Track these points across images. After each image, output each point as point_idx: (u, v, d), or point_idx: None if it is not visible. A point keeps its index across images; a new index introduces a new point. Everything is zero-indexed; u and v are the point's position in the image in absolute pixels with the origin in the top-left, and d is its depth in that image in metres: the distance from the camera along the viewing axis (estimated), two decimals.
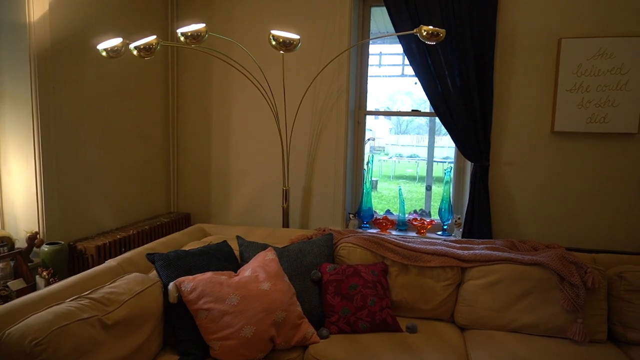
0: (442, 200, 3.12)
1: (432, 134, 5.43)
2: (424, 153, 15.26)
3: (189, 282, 1.91)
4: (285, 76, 3.02)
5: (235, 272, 2.14)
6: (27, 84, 2.18)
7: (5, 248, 2.05)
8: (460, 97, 2.78)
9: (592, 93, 2.65)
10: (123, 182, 2.90)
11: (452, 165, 3.19)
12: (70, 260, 2.39)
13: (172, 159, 3.42)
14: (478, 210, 2.86)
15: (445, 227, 3.12)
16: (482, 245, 2.50)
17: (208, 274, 1.97)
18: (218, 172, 3.41)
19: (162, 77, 3.28)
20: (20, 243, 2.24)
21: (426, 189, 5.29)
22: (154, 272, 2.06)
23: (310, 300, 2.23)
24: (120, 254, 2.49)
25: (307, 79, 3.11)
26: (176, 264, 2.03)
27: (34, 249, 2.21)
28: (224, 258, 2.24)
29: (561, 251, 2.28)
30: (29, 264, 2.16)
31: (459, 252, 2.41)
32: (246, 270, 2.07)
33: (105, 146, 2.71)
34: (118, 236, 2.59)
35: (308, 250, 2.39)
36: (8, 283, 1.97)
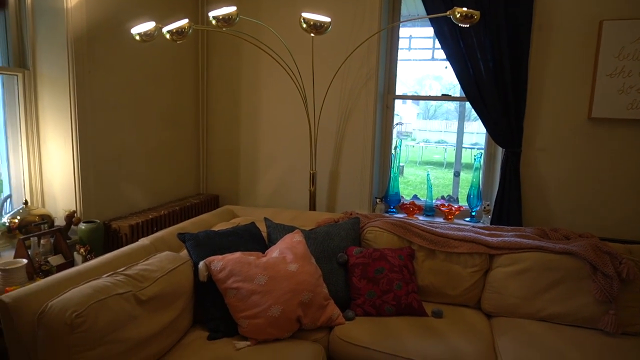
0: (471, 186, 3.07)
1: (461, 119, 5.34)
2: (452, 139, 14.98)
3: (219, 262, 1.96)
4: (314, 60, 3.00)
5: (263, 253, 2.18)
6: (65, 69, 2.25)
7: (46, 225, 2.15)
8: (493, 81, 2.71)
9: (635, 78, 2.54)
10: (155, 164, 2.97)
11: (482, 151, 3.13)
12: (105, 238, 2.48)
13: (201, 142, 3.48)
14: (508, 197, 2.80)
15: (473, 213, 3.08)
16: (511, 233, 2.46)
17: (237, 254, 2.01)
18: (246, 155, 3.45)
19: (193, 62, 3.32)
20: (59, 221, 2.33)
21: (454, 175, 5.23)
22: (185, 251, 2.12)
23: (337, 282, 2.25)
24: (152, 233, 2.56)
25: (336, 62, 3.08)
26: (206, 244, 2.08)
27: (72, 227, 2.30)
28: (252, 239, 2.28)
29: (595, 241, 2.23)
30: (67, 241, 2.25)
31: (488, 238, 2.38)
32: (274, 252, 2.11)
33: (137, 130, 2.78)
34: (150, 216, 2.67)
35: (335, 233, 2.41)
36: (49, 258, 2.07)
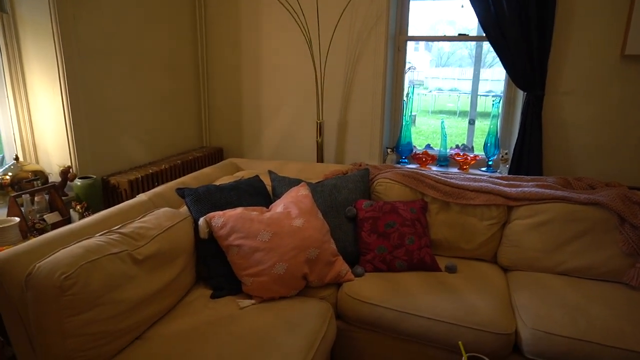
0: (488, 134, 2.88)
1: (477, 63, 5.03)
2: (465, 87, 14.50)
3: (219, 218, 1.85)
4: None
5: (267, 207, 2.07)
6: (46, 12, 2.06)
7: (39, 182, 2.05)
8: (516, 17, 2.46)
9: None
10: (154, 116, 2.82)
11: (501, 97, 2.92)
12: (105, 194, 2.39)
13: (202, 92, 3.30)
14: (528, 145, 2.62)
15: (490, 163, 2.91)
16: (532, 183, 2.31)
17: (239, 210, 1.90)
18: (249, 104, 3.27)
19: (190, 4, 3.08)
20: (55, 177, 2.23)
21: (469, 123, 5.00)
22: (185, 207, 2.01)
23: (345, 237, 2.15)
24: (153, 188, 2.46)
25: (343, 0, 2.83)
26: (206, 199, 1.97)
27: (68, 183, 2.20)
28: (255, 193, 2.16)
29: (623, 190, 2.07)
30: (63, 198, 2.16)
31: (506, 189, 2.23)
32: (278, 206, 1.99)
33: (133, 78, 2.61)
34: (150, 171, 2.55)
35: (343, 185, 2.28)
36: (44, 216, 1.99)
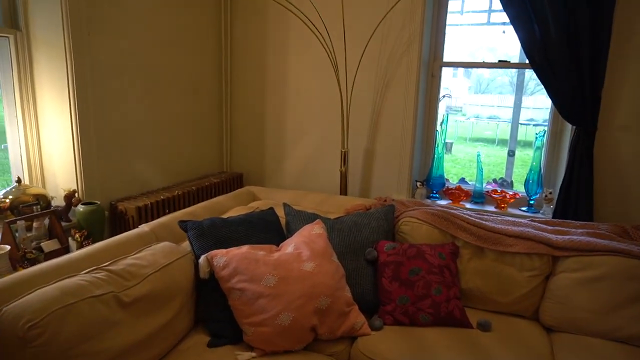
0: (531, 169, 2.60)
1: (519, 91, 4.76)
2: (505, 114, 14.04)
3: (222, 257, 1.67)
4: (345, 18, 2.60)
5: (278, 245, 1.87)
6: (59, 29, 1.99)
7: (39, 207, 1.93)
8: (565, 43, 2.21)
9: None
10: (171, 139, 2.71)
11: (546, 128, 2.64)
12: (112, 220, 2.26)
13: (225, 115, 3.19)
14: (577, 185, 2.33)
15: (531, 202, 2.62)
16: (581, 230, 2.01)
17: (244, 248, 1.72)
18: (272, 129, 3.13)
19: (214, 25, 3.00)
20: (60, 201, 2.12)
21: (508, 154, 4.70)
22: (187, 241, 1.84)
23: (363, 282, 1.91)
24: (164, 215, 2.32)
25: (373, 21, 2.66)
26: (210, 234, 1.80)
27: (73, 208, 2.08)
28: (266, 228, 1.97)
29: None
30: (66, 224, 2.04)
31: (551, 236, 1.95)
32: (288, 246, 1.79)
33: (150, 100, 2.51)
34: (162, 197, 2.42)
35: (364, 223, 2.06)
36: (42, 244, 1.86)
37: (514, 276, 1.94)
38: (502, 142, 11.57)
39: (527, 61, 2.38)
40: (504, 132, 12.28)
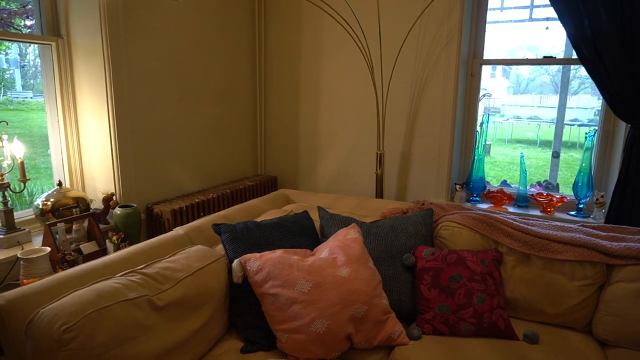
0: (580, 171, 2.45)
1: (564, 89, 4.55)
2: (546, 115, 13.52)
3: (255, 261, 1.64)
4: (381, 15, 2.54)
5: (313, 250, 1.82)
6: (98, 35, 2.03)
7: (78, 210, 1.97)
8: (618, 34, 2.06)
9: None
10: (206, 142, 2.73)
11: (596, 127, 2.48)
12: (148, 223, 2.29)
13: (259, 118, 3.18)
14: (632, 188, 2.17)
15: (581, 206, 2.47)
16: (638, 236, 1.86)
17: (278, 252, 1.68)
18: (307, 132, 3.09)
19: (248, 29, 3.00)
20: (99, 204, 2.16)
21: (552, 155, 4.49)
22: (221, 245, 1.83)
23: (400, 290, 1.84)
24: (199, 218, 2.32)
25: (409, 19, 2.59)
26: (244, 238, 1.77)
27: (111, 211, 2.11)
28: (301, 232, 1.93)
29: None
30: (105, 227, 2.07)
31: (605, 243, 1.81)
32: (323, 251, 1.74)
33: (185, 104, 2.53)
34: (197, 200, 2.43)
35: (401, 228, 1.98)
36: (81, 246, 1.89)
37: (564, 285, 1.81)
38: (543, 144, 11.13)
39: (574, 57, 2.24)
40: (546, 133, 11.82)
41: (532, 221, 2.03)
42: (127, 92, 2.15)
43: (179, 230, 1.88)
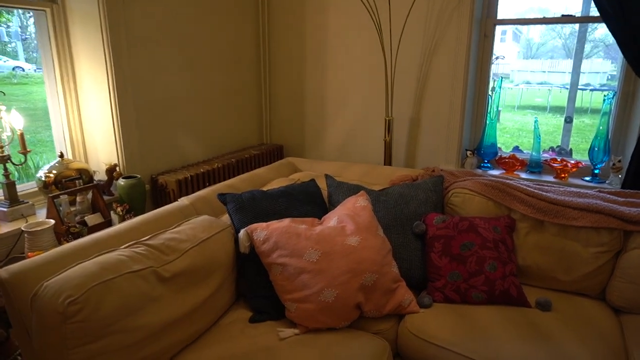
0: (596, 136, 2.36)
1: (579, 53, 4.38)
2: (556, 80, 13.20)
3: (262, 231, 1.60)
4: None
5: (320, 219, 1.79)
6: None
7: (81, 181, 1.93)
8: None
9: None
10: (210, 110, 2.66)
11: (615, 90, 2.38)
12: (153, 194, 2.26)
13: (264, 85, 3.10)
14: None
15: (596, 171, 2.39)
16: None
17: (285, 222, 1.64)
18: (313, 99, 3.01)
19: None
20: (102, 176, 2.12)
21: (565, 121, 4.38)
22: (227, 215, 1.79)
23: (411, 258, 1.80)
24: (204, 187, 2.29)
25: None
26: (250, 207, 1.73)
27: (114, 182, 2.07)
28: (308, 200, 1.89)
29: None
30: (109, 198, 2.04)
31: (623, 208, 1.75)
32: (331, 219, 1.70)
33: (188, 70, 2.45)
34: (202, 170, 2.38)
35: (411, 195, 1.94)
36: (85, 218, 1.87)
37: (579, 252, 1.77)
38: (553, 109, 10.90)
39: (591, 15, 2.12)
40: (556, 98, 11.57)
41: (546, 187, 1.97)
42: (126, 59, 2.07)
43: (184, 201, 1.84)
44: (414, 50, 2.60)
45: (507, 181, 1.98)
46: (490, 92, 2.64)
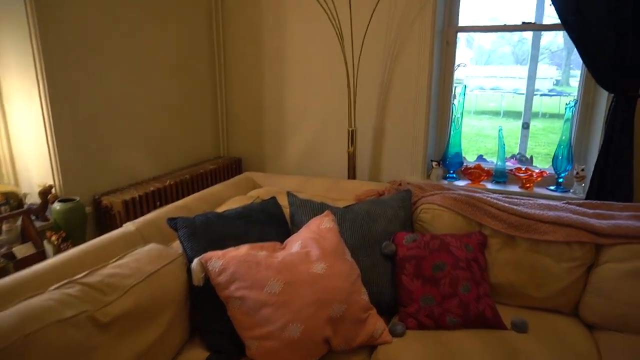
0: (559, 144, 2.35)
1: (534, 60, 4.46)
2: (507, 85, 13.71)
3: (218, 260, 1.44)
4: None
5: (282, 243, 1.64)
6: (20, 1, 1.71)
7: (7, 207, 1.70)
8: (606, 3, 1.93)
9: None
10: (161, 122, 2.46)
11: (576, 98, 2.37)
12: (96, 218, 2.04)
13: (219, 94, 2.92)
14: (614, 161, 2.08)
15: (560, 180, 2.38)
16: (627, 213, 1.77)
17: (243, 249, 1.48)
18: (272, 108, 2.86)
19: None
20: (35, 199, 1.89)
21: (522, 127, 4.43)
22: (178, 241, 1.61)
23: (380, 281, 1.69)
24: (155, 208, 2.09)
25: None
26: (205, 232, 1.56)
27: (50, 205, 1.84)
28: (269, 222, 1.74)
29: None
30: (45, 224, 1.81)
31: (593, 221, 1.71)
32: (294, 243, 1.56)
33: (135, 80, 2.25)
34: (152, 188, 2.18)
35: (379, 213, 1.82)
36: (13, 249, 1.64)
37: (551, 268, 1.71)
38: (507, 114, 11.25)
39: (545, 23, 2.10)
40: (509, 103, 11.96)
41: (516, 200, 1.91)
42: (61, 69, 1.85)
43: (129, 226, 1.65)
44: (376, 58, 2.51)
45: (477, 195, 1.91)
46: (455, 101, 2.58)
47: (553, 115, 10.30)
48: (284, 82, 2.78)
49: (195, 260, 1.45)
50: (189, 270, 1.50)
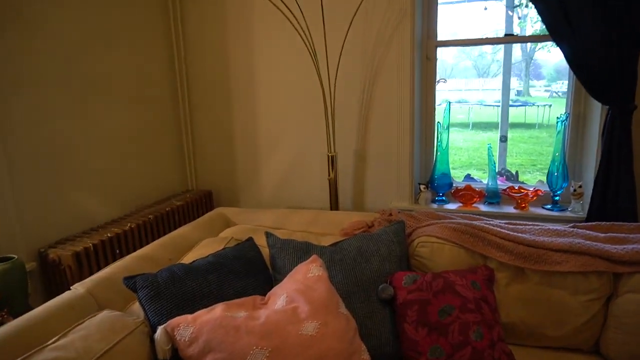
0: (553, 160, 2.21)
1: (507, 72, 4.39)
2: (471, 97, 14.02)
3: (187, 327, 1.18)
4: None
5: (264, 295, 1.40)
6: None
7: None
8: (590, 5, 1.81)
9: None
10: (120, 157, 2.20)
11: (566, 112, 2.25)
12: (43, 276, 1.74)
13: (184, 123, 2.68)
14: (616, 177, 1.94)
15: (556, 198, 2.23)
16: None
17: (218, 310, 1.24)
18: (244, 136, 2.63)
19: (161, 13, 2.48)
20: None
21: (500, 140, 4.33)
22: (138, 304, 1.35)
23: (380, 331, 1.46)
24: (114, 260, 1.82)
25: None
26: (170, 292, 1.31)
27: None
28: (246, 271, 1.50)
29: None
30: None
31: (609, 247, 1.54)
32: (278, 297, 1.32)
33: (84, 110, 2.00)
34: (109, 234, 1.90)
35: (371, 250, 1.61)
36: None
37: (567, 302, 1.53)
38: (475, 126, 11.38)
39: (530, 35, 1.97)
40: (477, 115, 12.15)
41: (520, 226, 1.73)
42: None
43: (78, 289, 1.37)
44: (354, 77, 2.33)
45: (477, 223, 1.72)
46: (440, 119, 2.42)
47: (519, 125, 10.50)
48: (255, 107, 2.56)
49: (160, 329, 1.19)
50: (152, 341, 1.23)
